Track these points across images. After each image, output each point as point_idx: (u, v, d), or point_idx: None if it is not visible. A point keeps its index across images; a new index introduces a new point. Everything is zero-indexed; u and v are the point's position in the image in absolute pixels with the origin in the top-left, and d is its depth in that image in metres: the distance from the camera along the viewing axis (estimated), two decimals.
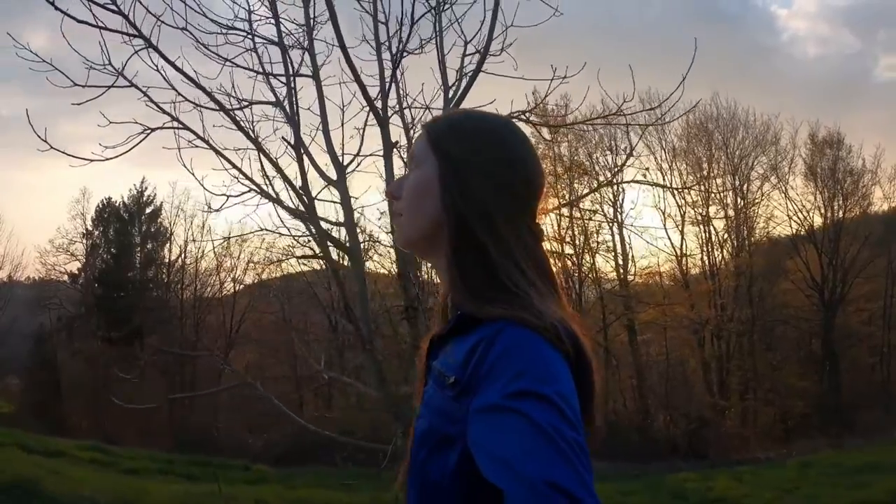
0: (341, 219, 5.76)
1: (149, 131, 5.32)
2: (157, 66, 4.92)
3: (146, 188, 34.97)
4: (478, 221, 1.24)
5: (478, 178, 1.26)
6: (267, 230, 5.62)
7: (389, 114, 5.07)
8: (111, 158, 5.28)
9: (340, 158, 5.84)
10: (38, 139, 4.74)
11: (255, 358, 33.12)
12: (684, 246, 28.22)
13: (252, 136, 5.16)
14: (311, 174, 5.50)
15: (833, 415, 25.00)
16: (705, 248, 28.50)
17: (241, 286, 32.90)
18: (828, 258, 27.78)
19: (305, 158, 5.60)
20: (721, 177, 28.19)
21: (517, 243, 1.24)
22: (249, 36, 5.25)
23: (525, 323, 1.11)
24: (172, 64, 4.87)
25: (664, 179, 26.84)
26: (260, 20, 5.58)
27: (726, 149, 28.10)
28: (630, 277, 27.19)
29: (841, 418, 24.43)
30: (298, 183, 5.46)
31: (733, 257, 27.77)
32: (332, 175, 5.65)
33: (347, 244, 5.69)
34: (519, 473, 0.98)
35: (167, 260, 34.45)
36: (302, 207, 5.43)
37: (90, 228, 35.13)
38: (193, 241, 33.27)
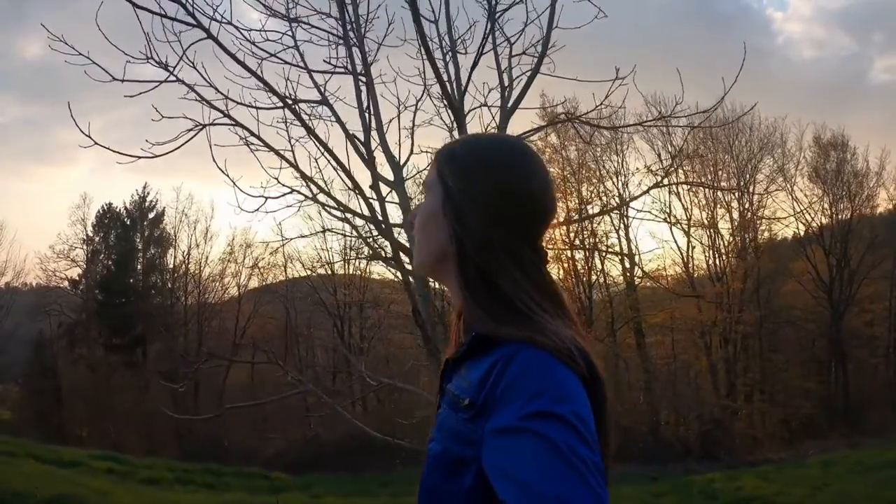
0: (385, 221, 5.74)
1: (199, 128, 5.22)
2: (193, 64, 4.80)
3: (148, 193, 34.98)
4: (477, 249, 1.25)
5: (472, 209, 1.27)
6: (334, 231, 5.52)
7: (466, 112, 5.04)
8: (160, 155, 5.18)
9: (397, 158, 5.82)
10: (81, 134, 4.58)
11: (265, 366, 33.04)
12: (690, 249, 28.29)
13: (318, 135, 5.12)
14: (357, 175, 5.47)
15: (842, 415, 25.12)
16: (711, 251, 28.57)
17: (244, 290, 32.72)
18: (835, 259, 27.91)
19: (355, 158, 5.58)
20: (726, 180, 28.27)
21: (519, 267, 1.24)
22: (293, 30, 5.19)
23: (540, 345, 1.12)
24: (233, 56, 4.80)
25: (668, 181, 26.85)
26: (313, 14, 5.54)
27: (732, 150, 28.18)
28: (637, 280, 27.20)
29: (850, 418, 24.57)
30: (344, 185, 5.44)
31: (741, 259, 27.83)
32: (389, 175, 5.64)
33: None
34: (535, 493, 0.99)
35: (170, 265, 34.45)
36: (365, 210, 5.38)
37: (91, 234, 35.04)
38: (202, 243, 33.22)
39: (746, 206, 28.44)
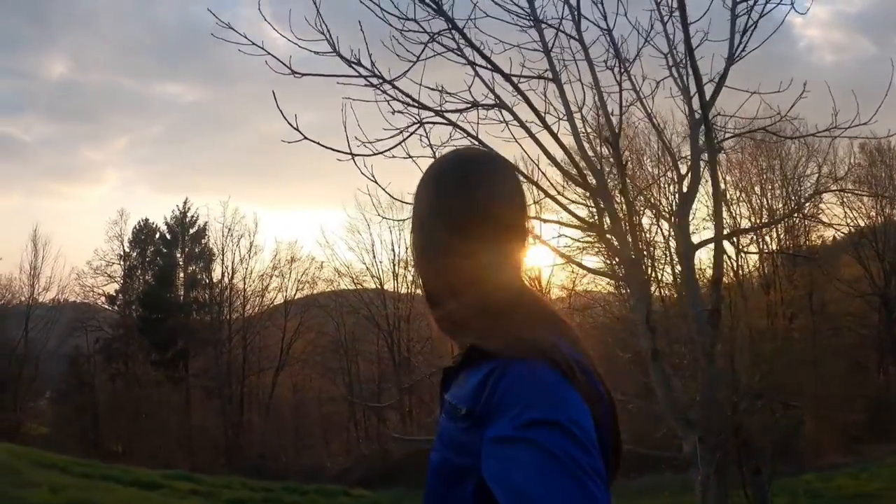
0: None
1: (417, 125, 5.28)
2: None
3: (188, 209, 35.05)
4: (428, 260, 1.33)
5: (415, 227, 1.35)
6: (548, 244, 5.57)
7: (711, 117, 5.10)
8: (382, 153, 5.22)
9: (598, 165, 5.89)
10: (287, 117, 4.60)
11: (307, 378, 33.06)
12: (741, 257, 28.18)
13: (557, 136, 5.19)
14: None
15: None
16: (760, 257, 28.45)
17: (290, 305, 32.60)
18: (889, 265, 27.85)
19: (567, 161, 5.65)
20: (772, 185, 28.21)
21: (483, 275, 1.26)
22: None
23: (531, 355, 1.13)
24: (477, 50, 4.87)
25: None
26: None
27: (779, 156, 28.12)
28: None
29: None
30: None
31: (793, 265, 27.74)
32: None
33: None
34: (535, 502, 0.99)
35: (212, 281, 34.33)
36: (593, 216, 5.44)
37: (127, 250, 35.16)
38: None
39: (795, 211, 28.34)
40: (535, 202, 5.83)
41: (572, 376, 1.13)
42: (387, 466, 21.81)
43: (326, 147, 4.64)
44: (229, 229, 33.44)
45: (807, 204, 22.31)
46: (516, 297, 1.29)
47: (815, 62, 50.50)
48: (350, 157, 4.80)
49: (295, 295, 33.10)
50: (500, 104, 5.57)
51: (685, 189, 6.21)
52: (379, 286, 30.34)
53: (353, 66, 5.03)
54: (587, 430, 1.08)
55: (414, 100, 5.15)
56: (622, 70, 5.10)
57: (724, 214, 22.64)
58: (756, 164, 27.47)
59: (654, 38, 5.71)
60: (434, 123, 5.26)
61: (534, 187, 5.27)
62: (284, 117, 4.54)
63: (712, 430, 5.80)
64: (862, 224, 29.22)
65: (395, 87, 5.21)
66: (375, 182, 5.16)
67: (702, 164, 5.93)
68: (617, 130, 5.05)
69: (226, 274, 33.64)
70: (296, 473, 24.04)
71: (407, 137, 4.95)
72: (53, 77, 50.02)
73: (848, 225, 28.68)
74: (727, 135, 6.45)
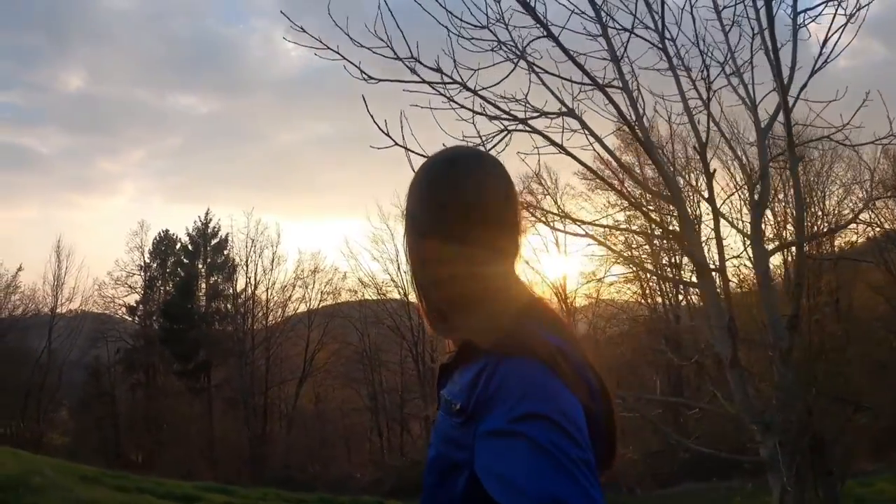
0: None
1: (506, 133, 5.35)
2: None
3: (210, 220, 35.30)
4: (417, 261, 1.36)
5: (407, 229, 1.38)
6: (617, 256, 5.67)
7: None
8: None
9: (672, 174, 6.00)
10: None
11: (329, 389, 33.08)
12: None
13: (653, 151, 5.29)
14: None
15: None
16: (783, 264, 28.44)
17: (313, 315, 32.72)
18: None
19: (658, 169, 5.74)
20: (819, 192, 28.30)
21: (475, 273, 1.29)
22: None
23: (521, 351, 1.16)
24: (570, 55, 4.96)
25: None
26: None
27: (803, 162, 28.18)
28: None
29: None
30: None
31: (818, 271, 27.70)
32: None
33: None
34: (527, 494, 1.02)
35: (235, 291, 34.53)
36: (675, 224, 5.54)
37: (148, 261, 35.42)
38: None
39: (820, 215, 28.35)
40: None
41: (562, 371, 1.15)
42: (418, 477, 21.74)
43: (415, 153, 4.73)
44: (253, 240, 33.74)
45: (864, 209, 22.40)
46: (508, 291, 1.32)
47: (829, 68, 50.52)
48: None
49: (319, 305, 33.34)
50: (569, 112, 5.68)
51: (756, 197, 6.30)
52: (403, 296, 30.49)
53: (434, 72, 5.08)
54: (578, 423, 1.11)
55: (500, 108, 5.24)
56: (708, 80, 5.21)
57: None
58: (806, 171, 27.49)
59: (712, 48, 5.81)
60: (518, 131, 5.35)
61: (613, 194, 5.36)
62: (375, 122, 4.63)
63: (790, 434, 5.88)
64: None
65: (477, 94, 5.30)
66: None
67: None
68: (705, 139, 5.15)
69: (249, 284, 33.90)
70: (323, 484, 24.04)
71: (495, 145, 5.05)
72: (70, 90, 50.76)
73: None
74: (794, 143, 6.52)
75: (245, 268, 33.88)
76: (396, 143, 5.00)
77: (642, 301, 28.31)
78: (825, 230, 25.39)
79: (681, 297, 27.41)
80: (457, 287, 1.29)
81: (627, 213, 27.35)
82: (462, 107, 5.27)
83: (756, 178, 6.51)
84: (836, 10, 5.38)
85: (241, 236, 34.39)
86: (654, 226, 5.49)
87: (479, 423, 1.14)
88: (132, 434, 33.01)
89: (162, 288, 35.85)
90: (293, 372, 32.59)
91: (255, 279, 33.56)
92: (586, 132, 5.86)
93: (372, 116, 4.78)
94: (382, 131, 4.82)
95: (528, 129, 5.41)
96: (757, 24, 5.70)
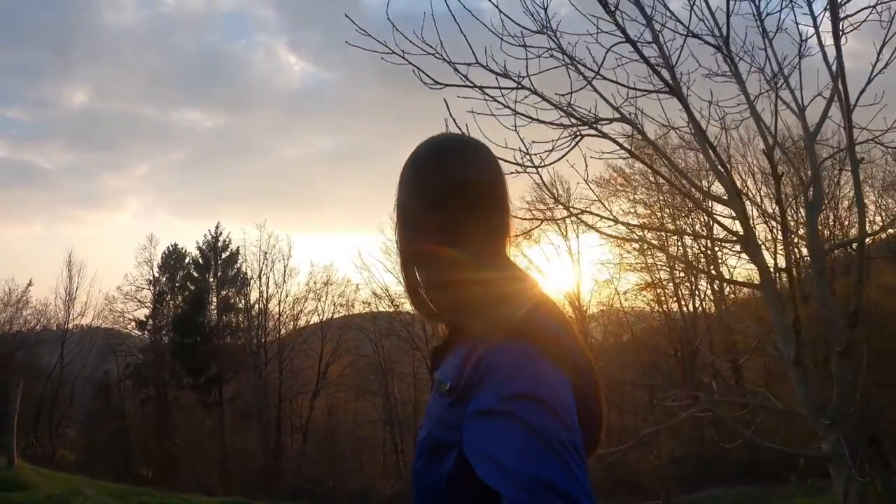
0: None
1: (580, 137, 5.47)
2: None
3: (220, 233, 35.47)
4: (410, 244, 1.39)
5: (398, 221, 1.41)
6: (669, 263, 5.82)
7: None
8: (548, 165, 5.41)
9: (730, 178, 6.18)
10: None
11: (342, 401, 33.05)
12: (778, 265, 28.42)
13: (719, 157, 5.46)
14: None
15: None
16: (796, 269, 28.64)
17: (326, 328, 32.83)
18: None
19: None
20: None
21: (471, 257, 1.31)
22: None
23: (512, 333, 1.18)
24: (650, 65, 5.11)
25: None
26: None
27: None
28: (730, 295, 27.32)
29: None
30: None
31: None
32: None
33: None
34: (515, 474, 1.04)
35: (249, 304, 34.65)
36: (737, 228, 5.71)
37: (157, 275, 35.57)
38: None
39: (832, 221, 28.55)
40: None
41: (552, 353, 1.17)
42: None
43: (505, 161, 4.89)
44: (265, 253, 33.92)
45: None
46: (499, 273, 1.32)
47: (826, 71, 50.91)
48: (521, 169, 5.06)
49: (332, 317, 33.52)
50: (623, 118, 5.85)
51: (811, 198, 6.47)
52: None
53: (499, 76, 5.20)
54: (567, 405, 1.12)
55: (572, 114, 5.38)
56: (776, 85, 5.39)
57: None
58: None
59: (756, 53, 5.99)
60: (590, 136, 5.49)
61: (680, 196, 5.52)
62: (457, 125, 4.79)
63: (852, 429, 6.02)
64: None
65: (547, 100, 5.45)
66: (545, 188, 5.39)
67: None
68: (772, 143, 5.33)
69: (261, 298, 34.02)
70: (343, 497, 24.09)
71: (570, 150, 5.21)
72: (75, 106, 51.23)
73: None
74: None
75: (258, 281, 34.08)
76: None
77: (657, 308, 28.51)
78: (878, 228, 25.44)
79: (698, 304, 27.59)
80: (449, 271, 1.31)
81: (642, 219, 27.67)
82: (520, 114, 5.44)
83: (808, 180, 6.69)
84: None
85: (253, 249, 34.63)
86: (705, 230, 5.59)
87: (469, 403, 1.16)
88: (143, 449, 33.06)
89: (171, 302, 35.95)
90: (306, 385, 32.63)
91: (268, 292, 33.79)
92: (640, 137, 6.07)
93: (454, 119, 4.90)
94: (487, 136, 4.98)
95: (597, 133, 5.58)
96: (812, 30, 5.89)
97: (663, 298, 27.80)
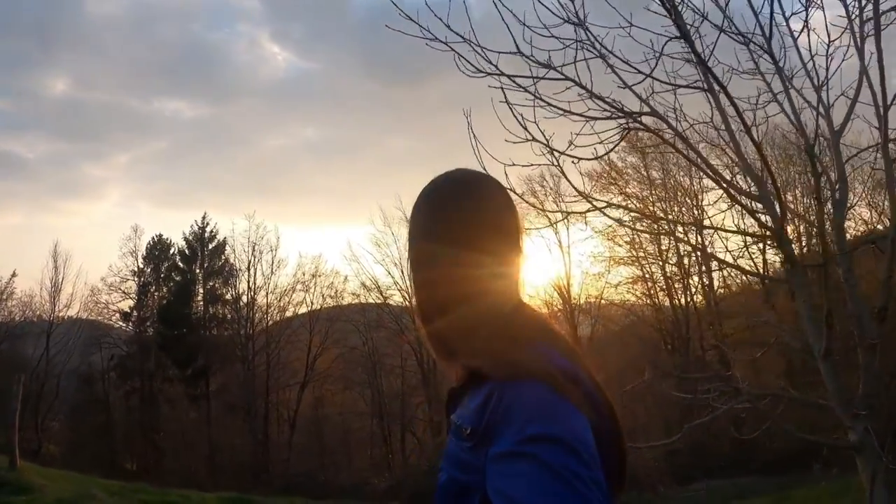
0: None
1: (627, 131, 5.55)
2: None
3: (207, 224, 35.28)
4: (423, 287, 1.39)
5: (410, 247, 1.42)
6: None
7: None
8: (600, 157, 5.49)
9: (760, 173, 6.35)
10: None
11: (329, 393, 33.04)
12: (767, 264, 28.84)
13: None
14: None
15: None
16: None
17: (314, 320, 32.77)
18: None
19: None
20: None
21: (479, 297, 1.32)
22: None
23: (527, 376, 1.18)
24: (701, 59, 5.20)
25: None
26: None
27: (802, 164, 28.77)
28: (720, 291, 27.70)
29: None
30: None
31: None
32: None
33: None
34: None
35: (235, 295, 34.51)
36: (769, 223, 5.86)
37: (142, 266, 35.33)
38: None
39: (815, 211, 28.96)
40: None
41: (570, 393, 1.18)
42: (434, 483, 21.74)
43: (560, 152, 4.99)
44: (254, 244, 33.81)
45: None
46: (510, 312, 1.34)
47: (816, 69, 51.56)
48: (577, 160, 5.15)
49: (321, 307, 33.44)
50: (653, 112, 5.97)
51: (837, 196, 6.64)
52: (408, 301, 30.60)
53: (545, 68, 5.26)
54: (587, 443, 1.13)
55: (618, 109, 5.47)
56: (818, 85, 5.56)
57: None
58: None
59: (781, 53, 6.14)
60: (638, 130, 5.58)
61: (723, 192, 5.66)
62: (514, 114, 4.86)
63: (880, 420, 6.21)
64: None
65: (595, 95, 5.52)
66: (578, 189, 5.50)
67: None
68: (812, 141, 5.49)
69: (249, 289, 33.87)
70: (336, 491, 24.08)
71: (618, 144, 5.32)
72: (56, 95, 50.64)
73: None
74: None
75: (246, 272, 33.96)
76: (534, 139, 5.24)
77: (648, 301, 28.87)
78: None
79: (688, 298, 27.92)
80: (466, 312, 1.31)
81: (631, 214, 27.91)
82: (554, 106, 5.52)
83: (836, 178, 6.86)
84: None
85: (241, 240, 34.45)
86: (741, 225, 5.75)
87: (490, 446, 1.16)
88: (127, 442, 32.90)
89: (156, 293, 35.72)
90: (294, 377, 32.63)
91: (255, 283, 33.66)
92: (671, 132, 6.20)
93: (512, 109, 4.97)
94: (520, 124, 5.05)
95: (642, 127, 5.68)
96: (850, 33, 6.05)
97: (654, 292, 28.19)
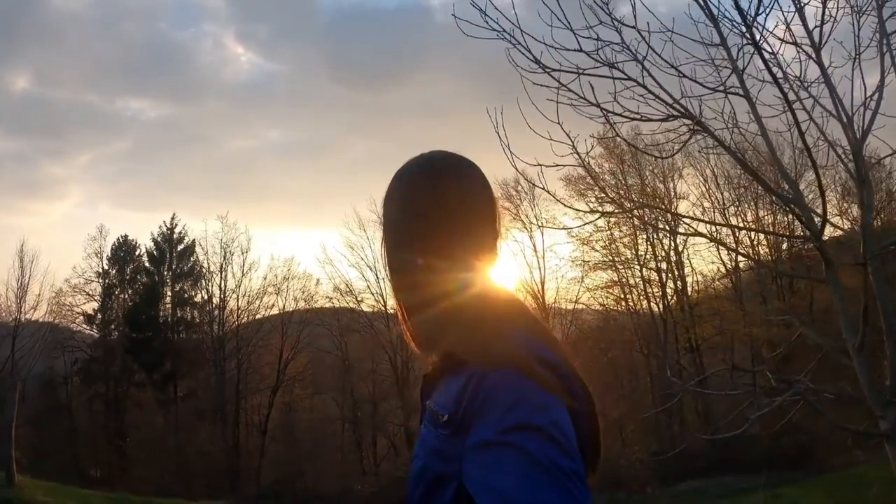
0: None
1: (691, 134, 5.81)
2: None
3: (175, 225, 34.91)
4: (397, 271, 1.37)
5: (388, 241, 1.39)
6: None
7: None
8: (666, 157, 5.81)
9: (794, 176, 6.75)
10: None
11: (300, 398, 32.83)
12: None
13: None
14: None
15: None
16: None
17: (286, 323, 32.57)
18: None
19: None
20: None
21: (455, 281, 1.30)
22: None
23: (507, 365, 1.17)
24: (769, 66, 5.51)
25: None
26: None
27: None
28: (693, 293, 28.34)
29: None
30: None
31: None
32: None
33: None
34: None
35: (210, 297, 34.18)
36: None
37: (106, 267, 34.83)
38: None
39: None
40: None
41: (549, 381, 1.17)
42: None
43: (639, 148, 5.28)
44: (225, 246, 33.59)
45: None
46: (492, 300, 1.32)
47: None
48: (657, 156, 5.42)
49: (292, 311, 33.19)
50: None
51: (865, 199, 7.04)
52: (382, 305, 30.61)
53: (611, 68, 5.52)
54: (568, 433, 1.13)
55: (683, 109, 5.76)
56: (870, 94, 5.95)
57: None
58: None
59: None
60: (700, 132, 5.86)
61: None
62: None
63: None
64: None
65: (657, 96, 5.80)
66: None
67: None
68: (857, 145, 5.88)
69: (220, 291, 33.58)
70: (318, 498, 23.91)
71: (686, 143, 5.59)
72: (16, 91, 49.70)
73: None
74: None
75: (218, 274, 33.67)
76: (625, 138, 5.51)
77: (623, 305, 29.44)
78: None
79: (669, 301, 28.50)
80: (442, 299, 1.29)
81: (614, 217, 28.52)
82: (608, 111, 5.79)
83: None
84: None
85: (212, 242, 34.18)
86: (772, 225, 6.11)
87: (468, 434, 1.15)
88: (93, 449, 32.25)
89: (121, 296, 35.23)
90: (264, 381, 32.44)
91: (225, 285, 33.39)
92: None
93: (586, 97, 5.23)
94: (557, 123, 5.29)
95: (702, 130, 5.97)
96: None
97: (629, 296, 28.76)
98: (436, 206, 1.31)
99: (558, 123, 5.44)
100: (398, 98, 51.05)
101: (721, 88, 6.39)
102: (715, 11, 6.31)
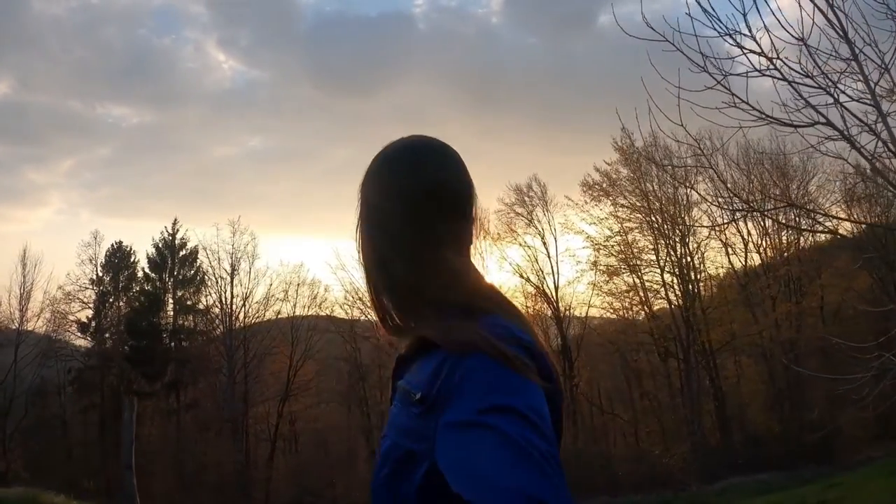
0: None
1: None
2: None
3: (178, 230, 34.74)
4: (379, 266, 1.37)
5: (364, 221, 1.41)
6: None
7: None
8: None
9: None
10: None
11: (308, 406, 32.92)
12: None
13: None
14: None
15: None
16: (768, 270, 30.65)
17: (296, 330, 32.70)
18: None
19: None
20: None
21: (432, 264, 1.32)
22: None
23: (482, 349, 1.17)
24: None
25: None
26: None
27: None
28: (699, 292, 29.06)
29: None
30: None
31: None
32: None
33: None
34: (496, 488, 1.03)
35: (206, 306, 34.12)
36: None
37: (101, 275, 34.63)
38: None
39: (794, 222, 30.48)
40: None
41: (525, 366, 1.18)
42: None
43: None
44: (232, 252, 33.33)
45: None
46: (468, 283, 1.34)
47: (756, 88, 54.66)
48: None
49: (304, 315, 33.10)
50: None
51: None
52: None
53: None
54: (545, 417, 1.14)
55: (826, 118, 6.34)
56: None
57: None
58: None
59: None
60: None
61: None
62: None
63: None
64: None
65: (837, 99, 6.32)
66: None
67: None
68: None
69: (223, 299, 33.38)
70: None
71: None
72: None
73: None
74: None
75: (222, 281, 33.38)
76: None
77: (641, 308, 30.17)
78: None
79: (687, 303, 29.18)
80: (415, 284, 1.32)
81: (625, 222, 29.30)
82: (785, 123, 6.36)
83: None
84: None
85: (216, 248, 33.83)
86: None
87: (442, 414, 1.16)
88: (88, 461, 32.05)
89: (116, 303, 35.06)
90: (274, 390, 32.42)
91: (232, 292, 33.12)
92: (844, 140, 7.07)
93: (737, 96, 5.78)
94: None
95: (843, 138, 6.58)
96: None
97: (646, 299, 29.51)
98: (415, 189, 1.35)
99: (682, 125, 6.13)
100: (378, 105, 51.93)
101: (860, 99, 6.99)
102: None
